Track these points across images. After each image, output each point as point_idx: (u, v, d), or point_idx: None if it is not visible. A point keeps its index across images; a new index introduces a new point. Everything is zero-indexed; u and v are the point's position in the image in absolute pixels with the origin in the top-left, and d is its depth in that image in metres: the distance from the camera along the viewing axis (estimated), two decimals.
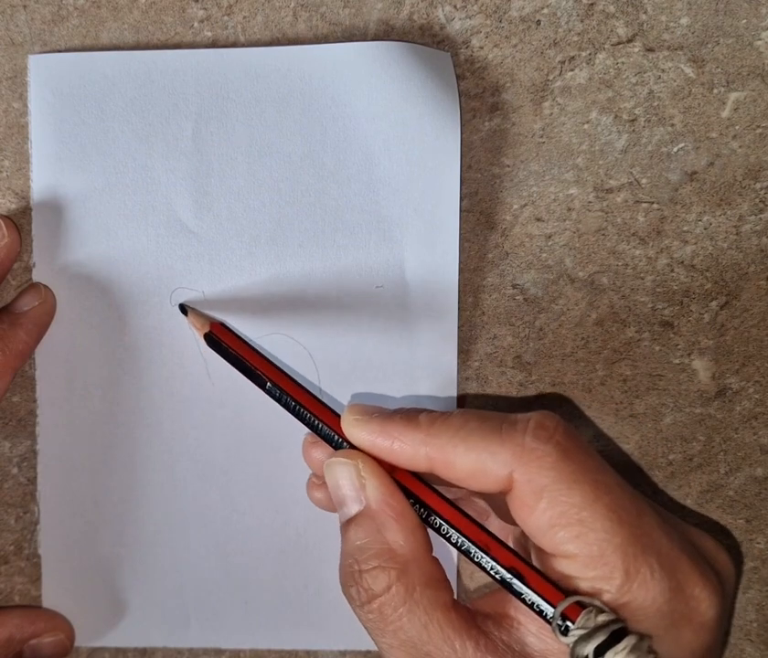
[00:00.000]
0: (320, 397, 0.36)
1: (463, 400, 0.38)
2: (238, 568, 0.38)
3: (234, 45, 0.37)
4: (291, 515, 0.38)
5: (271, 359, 0.37)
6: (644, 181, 0.37)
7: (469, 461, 0.31)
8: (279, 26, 0.37)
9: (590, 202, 0.37)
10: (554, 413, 0.31)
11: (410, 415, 0.33)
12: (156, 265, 0.37)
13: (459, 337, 0.37)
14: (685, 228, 0.37)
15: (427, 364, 0.37)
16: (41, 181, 0.36)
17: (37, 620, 0.38)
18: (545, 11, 0.36)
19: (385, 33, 0.36)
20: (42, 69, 0.36)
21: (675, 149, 0.37)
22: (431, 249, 0.36)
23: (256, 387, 0.36)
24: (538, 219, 0.37)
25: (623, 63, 0.36)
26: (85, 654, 0.40)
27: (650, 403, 0.38)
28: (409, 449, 0.32)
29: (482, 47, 0.36)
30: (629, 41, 0.36)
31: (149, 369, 0.37)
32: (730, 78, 0.36)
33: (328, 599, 0.38)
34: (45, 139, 0.36)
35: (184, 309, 0.37)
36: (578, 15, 0.36)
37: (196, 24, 0.37)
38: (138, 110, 0.36)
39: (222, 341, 0.36)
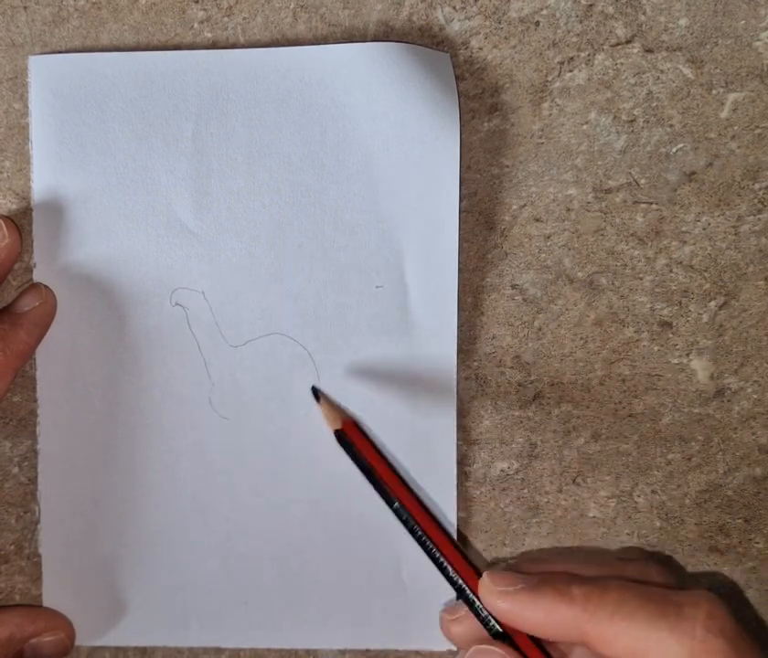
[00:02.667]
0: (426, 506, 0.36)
1: (463, 400, 0.38)
2: (238, 568, 0.38)
3: (234, 46, 0.37)
4: (291, 515, 0.38)
5: (400, 472, 0.36)
6: (642, 181, 0.37)
7: (630, 640, 0.30)
8: (279, 27, 0.37)
9: (589, 202, 0.37)
10: (718, 598, 0.31)
11: (559, 587, 0.31)
12: (156, 265, 0.37)
13: (458, 337, 0.37)
14: (683, 229, 0.37)
15: (426, 364, 0.37)
16: (42, 181, 0.37)
17: (38, 619, 0.38)
18: (544, 12, 0.36)
19: (384, 34, 0.37)
20: (43, 70, 0.36)
21: (673, 149, 0.37)
22: (430, 250, 0.37)
23: (256, 387, 0.36)
24: (537, 220, 0.37)
25: (621, 64, 0.36)
26: (85, 653, 0.40)
27: (649, 403, 0.38)
28: (562, 624, 0.31)
29: (481, 48, 0.36)
30: (628, 42, 0.36)
31: (149, 369, 0.37)
32: (728, 78, 0.36)
33: (328, 599, 0.38)
34: (45, 140, 0.36)
35: (316, 394, 0.37)
36: (577, 16, 0.36)
37: (196, 25, 0.37)
38: (138, 110, 0.36)
39: (353, 442, 0.36)
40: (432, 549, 0.34)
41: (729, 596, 0.39)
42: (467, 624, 0.35)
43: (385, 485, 0.35)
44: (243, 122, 0.36)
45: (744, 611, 0.39)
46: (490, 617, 0.33)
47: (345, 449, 0.36)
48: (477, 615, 0.34)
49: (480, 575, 0.34)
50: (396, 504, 0.35)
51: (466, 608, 0.34)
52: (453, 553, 0.34)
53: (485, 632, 0.34)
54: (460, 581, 0.34)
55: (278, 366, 0.37)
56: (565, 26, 0.36)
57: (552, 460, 0.38)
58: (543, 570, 0.34)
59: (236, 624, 0.39)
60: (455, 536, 0.38)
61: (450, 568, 0.34)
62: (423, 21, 0.36)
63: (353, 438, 0.36)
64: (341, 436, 0.36)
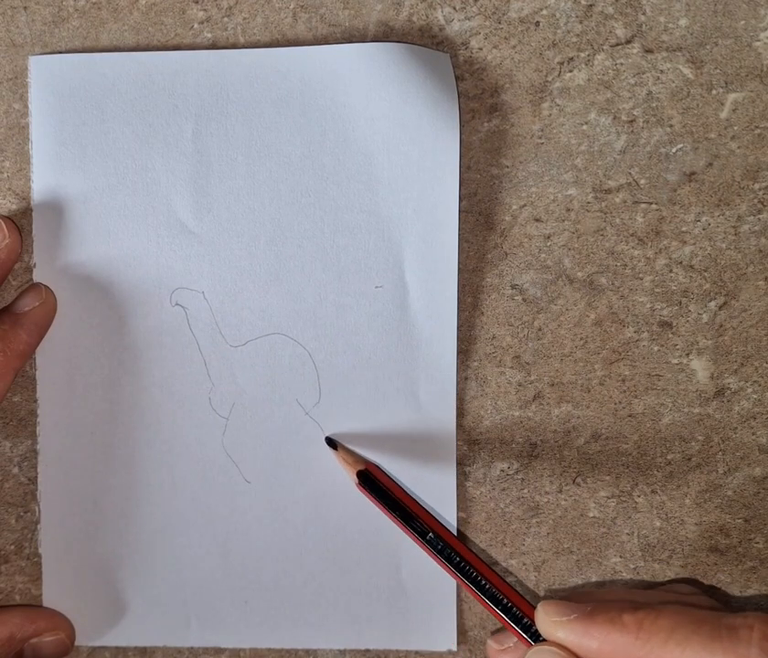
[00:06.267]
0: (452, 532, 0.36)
1: (463, 400, 0.38)
2: (238, 568, 0.38)
3: (234, 46, 0.37)
4: (291, 515, 0.38)
5: (425, 507, 0.37)
6: (642, 181, 0.37)
7: None
8: (278, 28, 0.37)
9: (588, 202, 0.37)
10: None
11: (612, 615, 0.32)
12: (156, 265, 0.37)
13: (458, 337, 0.37)
14: (683, 229, 0.37)
15: (426, 364, 0.37)
16: (42, 182, 0.37)
17: (38, 618, 0.38)
18: (544, 12, 0.36)
19: (384, 34, 0.37)
20: (43, 71, 0.36)
21: (673, 150, 0.37)
22: (430, 250, 0.37)
23: (256, 387, 0.36)
24: (537, 220, 0.37)
25: (621, 64, 0.36)
26: (85, 653, 0.40)
27: (649, 403, 0.38)
28: (615, 652, 0.31)
29: (481, 49, 0.36)
30: (628, 42, 0.36)
31: (149, 369, 0.37)
32: (728, 79, 0.36)
33: (328, 599, 0.38)
34: (45, 140, 0.36)
35: (333, 444, 0.37)
36: (577, 17, 0.36)
37: (196, 25, 0.37)
38: (138, 111, 0.36)
39: (378, 481, 0.36)
40: (477, 578, 0.35)
41: (727, 596, 0.39)
42: (516, 655, 0.35)
43: (418, 517, 0.36)
44: (243, 122, 0.36)
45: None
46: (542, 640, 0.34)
47: (368, 489, 0.36)
48: (527, 638, 0.34)
49: (523, 600, 0.35)
50: (430, 534, 0.35)
51: (514, 638, 0.35)
52: (497, 580, 0.35)
53: None
54: (514, 608, 0.35)
55: (278, 366, 0.37)
56: (565, 27, 0.36)
57: (552, 460, 0.38)
58: (597, 599, 0.34)
59: (236, 624, 0.39)
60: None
61: (498, 593, 0.35)
62: (423, 21, 0.36)
63: (378, 476, 0.36)
64: (365, 476, 0.36)
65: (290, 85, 0.36)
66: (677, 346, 0.38)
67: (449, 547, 0.35)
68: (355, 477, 0.36)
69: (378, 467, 0.37)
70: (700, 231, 0.37)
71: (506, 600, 0.35)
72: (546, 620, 0.33)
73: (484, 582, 0.35)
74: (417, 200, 0.36)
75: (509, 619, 0.34)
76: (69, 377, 0.37)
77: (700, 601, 0.35)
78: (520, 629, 0.34)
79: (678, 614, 0.31)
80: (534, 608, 0.34)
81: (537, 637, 0.34)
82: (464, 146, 0.37)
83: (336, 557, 0.38)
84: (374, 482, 0.36)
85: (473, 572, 0.35)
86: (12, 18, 0.37)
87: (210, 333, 0.37)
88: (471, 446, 0.38)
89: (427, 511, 0.36)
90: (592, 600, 0.34)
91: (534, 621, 0.34)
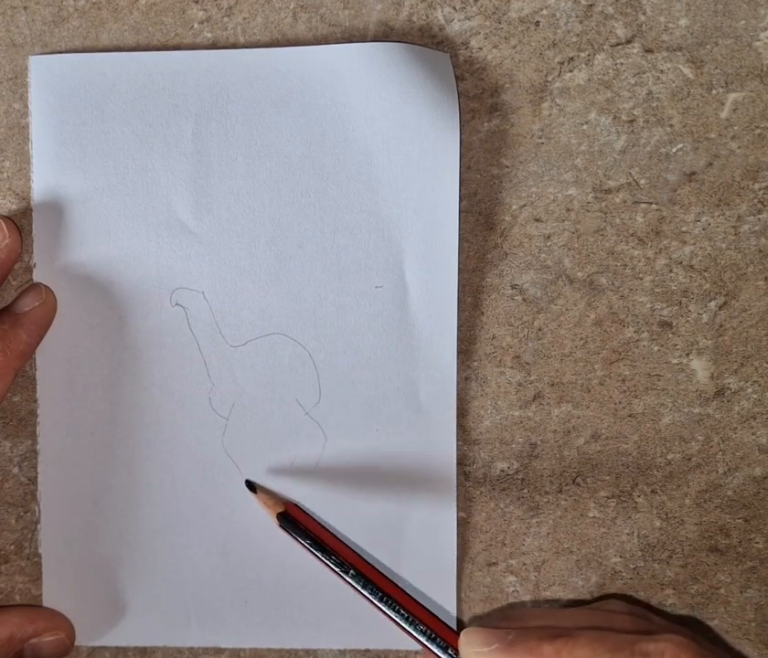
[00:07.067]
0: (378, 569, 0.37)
1: (463, 400, 0.38)
2: (238, 568, 0.38)
3: (234, 46, 0.37)
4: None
5: (349, 544, 0.37)
6: (642, 181, 0.37)
7: None
8: (278, 28, 0.37)
9: (588, 202, 0.37)
10: (684, 636, 0.32)
11: (531, 644, 0.32)
12: (156, 265, 0.37)
13: (458, 337, 0.37)
14: (683, 229, 0.37)
15: (426, 364, 0.37)
16: (42, 182, 0.37)
17: (38, 619, 0.38)
18: (544, 12, 0.36)
19: (384, 34, 0.37)
20: (43, 70, 0.36)
21: (673, 149, 0.37)
22: (430, 250, 0.37)
23: (256, 387, 0.36)
24: (537, 220, 0.37)
25: (621, 64, 0.36)
26: (85, 653, 0.40)
27: (649, 403, 0.38)
28: None
29: (481, 48, 0.36)
30: (628, 42, 0.36)
31: (149, 369, 0.37)
32: (728, 78, 0.36)
33: (327, 599, 0.38)
34: (45, 140, 0.36)
35: (252, 487, 0.37)
36: (577, 17, 0.36)
37: (196, 25, 0.37)
38: (138, 111, 0.36)
39: (299, 521, 0.37)
40: (400, 611, 0.36)
41: (728, 597, 0.39)
42: None
43: (339, 555, 0.36)
44: (243, 122, 0.36)
45: (744, 613, 0.39)
46: None
47: (290, 529, 0.37)
48: None
49: (446, 628, 0.36)
50: (351, 571, 0.36)
51: None
52: (422, 612, 0.36)
53: None
54: (438, 638, 0.36)
55: (278, 366, 0.37)
56: (565, 27, 0.36)
57: (552, 460, 0.38)
58: (518, 626, 0.35)
59: (236, 624, 0.39)
60: (455, 537, 0.38)
61: (423, 625, 0.36)
62: (423, 21, 0.36)
63: (298, 517, 0.37)
64: (285, 517, 0.37)
65: (290, 85, 0.36)
66: (677, 346, 0.38)
67: (371, 584, 0.36)
68: (275, 519, 0.37)
69: (297, 507, 0.37)
70: (700, 231, 0.37)
71: (429, 631, 0.36)
72: (468, 649, 0.34)
73: (407, 615, 0.36)
74: (417, 200, 0.36)
75: (436, 648, 0.35)
76: (69, 377, 0.37)
77: (624, 622, 0.35)
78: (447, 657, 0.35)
79: (595, 641, 0.32)
80: (456, 635, 0.35)
81: None
82: (464, 146, 0.37)
83: None
84: (295, 523, 0.37)
85: (396, 606, 0.36)
86: (12, 18, 0.37)
87: (210, 333, 0.37)
88: (471, 446, 0.38)
89: (349, 547, 0.37)
90: (517, 625, 0.35)
91: (456, 650, 0.35)
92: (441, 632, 0.36)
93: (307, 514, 0.37)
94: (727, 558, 0.39)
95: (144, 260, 0.37)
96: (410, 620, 0.36)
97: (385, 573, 0.38)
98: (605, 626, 0.34)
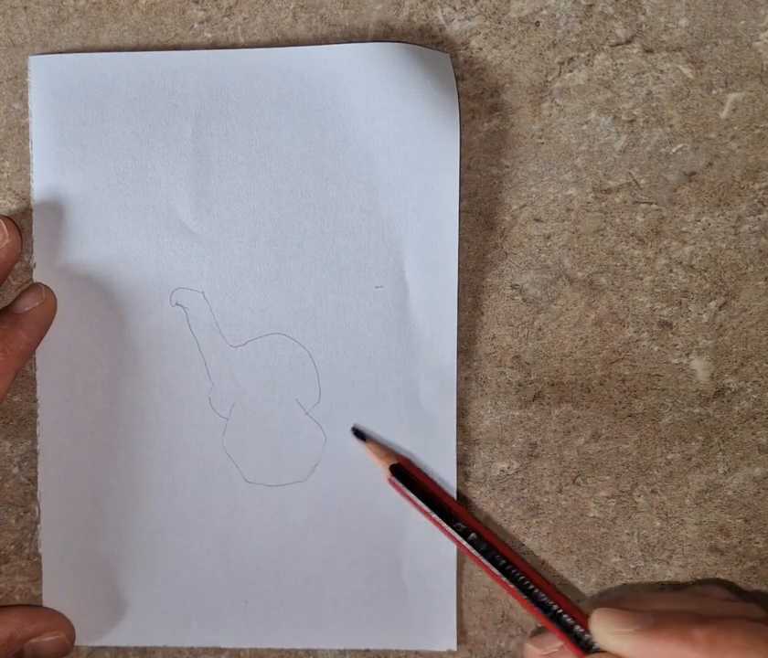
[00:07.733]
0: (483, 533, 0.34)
1: (463, 400, 0.38)
2: (238, 568, 0.38)
3: (234, 46, 0.37)
4: (291, 515, 0.38)
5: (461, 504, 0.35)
6: (642, 181, 0.37)
7: None
8: (278, 28, 0.37)
9: (588, 202, 0.37)
10: None
11: (681, 628, 0.30)
12: (156, 265, 0.37)
13: (458, 337, 0.37)
14: (683, 229, 0.37)
15: (426, 364, 0.37)
16: (42, 182, 0.37)
17: (38, 619, 0.38)
18: (544, 12, 0.36)
19: (384, 34, 0.37)
20: (43, 70, 0.36)
21: (673, 150, 0.37)
22: (430, 250, 0.37)
23: (256, 387, 0.36)
24: (537, 220, 0.37)
25: (621, 64, 0.36)
26: (85, 653, 0.40)
27: (649, 403, 0.38)
28: None
29: (481, 49, 0.37)
30: (628, 42, 0.36)
31: (149, 369, 0.37)
32: (728, 78, 0.36)
33: (327, 599, 0.38)
34: (45, 140, 0.36)
35: (362, 435, 0.36)
36: (577, 17, 0.36)
37: (196, 25, 0.37)
38: (138, 111, 0.36)
39: (411, 473, 0.35)
40: (519, 578, 0.33)
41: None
42: None
43: (459, 519, 0.34)
44: (243, 122, 0.36)
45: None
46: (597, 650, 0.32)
47: (402, 483, 0.35)
48: (579, 648, 0.33)
49: (573, 606, 0.33)
50: (472, 535, 0.34)
51: (558, 641, 0.34)
52: (545, 584, 0.34)
53: None
54: (563, 614, 0.33)
55: (278, 366, 0.37)
56: (565, 27, 0.36)
57: (552, 460, 0.38)
58: (646, 609, 0.33)
59: (236, 624, 0.39)
60: None
61: (548, 599, 0.33)
62: (423, 21, 0.36)
63: (411, 470, 0.35)
64: (398, 470, 0.35)
65: (290, 85, 0.36)
66: (677, 346, 0.38)
67: (493, 550, 0.34)
68: (386, 471, 0.35)
69: (409, 461, 0.36)
70: (700, 231, 0.37)
71: (555, 607, 0.33)
72: (604, 630, 0.32)
73: (531, 587, 0.34)
74: (417, 200, 0.36)
75: (559, 626, 0.33)
76: (69, 377, 0.37)
77: (755, 611, 0.33)
78: (572, 637, 0.33)
79: (752, 632, 0.30)
80: (583, 614, 0.33)
81: (588, 646, 0.32)
82: (464, 146, 0.37)
83: (335, 557, 0.38)
84: (407, 477, 0.35)
85: (519, 576, 0.34)
86: (12, 18, 0.37)
87: (210, 333, 0.37)
88: (471, 446, 0.38)
89: (466, 509, 0.35)
90: (644, 608, 0.32)
91: (587, 630, 0.32)
92: (568, 609, 0.33)
93: (419, 469, 0.35)
94: (727, 558, 0.39)
95: (144, 259, 0.37)
96: (532, 593, 0.33)
97: (385, 573, 0.38)
98: (728, 614, 0.32)
